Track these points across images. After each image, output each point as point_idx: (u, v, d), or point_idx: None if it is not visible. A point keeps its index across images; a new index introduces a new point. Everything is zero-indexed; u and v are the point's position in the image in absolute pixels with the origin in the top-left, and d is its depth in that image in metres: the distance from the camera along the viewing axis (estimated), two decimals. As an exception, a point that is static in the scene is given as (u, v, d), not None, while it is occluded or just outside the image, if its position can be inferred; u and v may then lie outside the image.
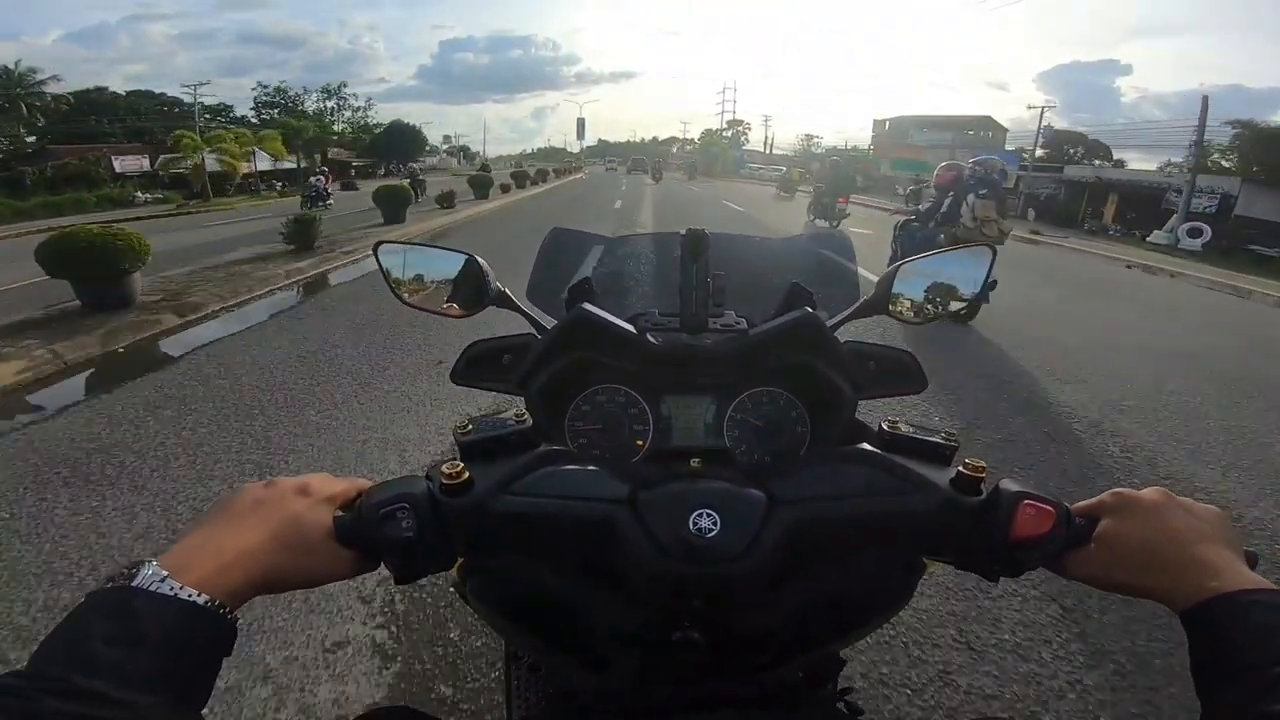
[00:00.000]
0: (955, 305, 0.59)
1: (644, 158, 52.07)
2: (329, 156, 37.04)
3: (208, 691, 0.33)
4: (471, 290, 0.59)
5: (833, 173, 11.76)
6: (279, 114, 45.47)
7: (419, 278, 0.60)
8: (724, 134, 68.43)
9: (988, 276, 0.58)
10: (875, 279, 0.58)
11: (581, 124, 59.04)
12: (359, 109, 53.33)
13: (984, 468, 0.44)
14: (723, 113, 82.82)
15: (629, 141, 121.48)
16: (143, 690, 0.30)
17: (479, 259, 0.59)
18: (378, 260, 0.60)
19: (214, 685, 0.33)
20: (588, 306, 0.53)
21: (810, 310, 0.54)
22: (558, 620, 0.49)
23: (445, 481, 0.42)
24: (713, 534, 0.41)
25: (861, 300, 0.60)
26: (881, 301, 0.58)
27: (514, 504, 0.42)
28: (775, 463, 0.56)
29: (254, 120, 45.78)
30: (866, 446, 0.47)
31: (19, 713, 0.27)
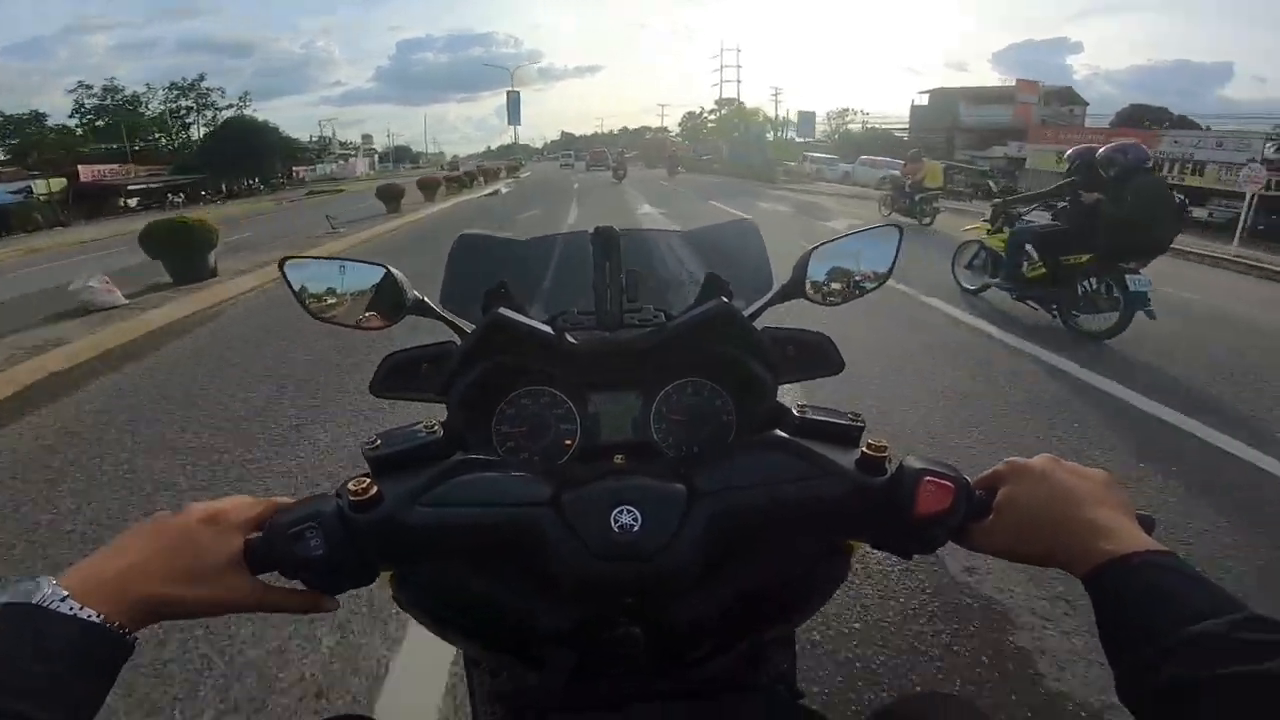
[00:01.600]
0: (869, 284, 0.70)
1: (605, 150, 47.74)
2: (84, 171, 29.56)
3: (97, 708, 0.39)
4: (388, 301, 0.66)
5: (923, 166, 11.32)
6: (109, 120, 40.31)
7: (331, 291, 0.66)
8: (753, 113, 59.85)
9: (896, 255, 0.70)
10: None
11: (514, 102, 50.09)
12: (231, 106, 47.54)
13: (885, 447, 0.52)
14: (722, 82, 76.52)
15: (596, 134, 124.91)
16: (35, 705, 0.35)
17: (394, 269, 0.66)
18: (285, 277, 0.66)
19: (103, 702, 0.39)
20: (503, 310, 0.61)
21: (725, 300, 0.63)
22: (493, 623, 0.56)
23: (352, 498, 0.48)
24: (635, 530, 0.47)
25: (779, 286, 0.70)
26: (799, 285, 0.68)
27: (428, 515, 0.48)
28: (697, 455, 0.65)
29: (75, 128, 40.38)
30: (779, 433, 0.55)
31: None
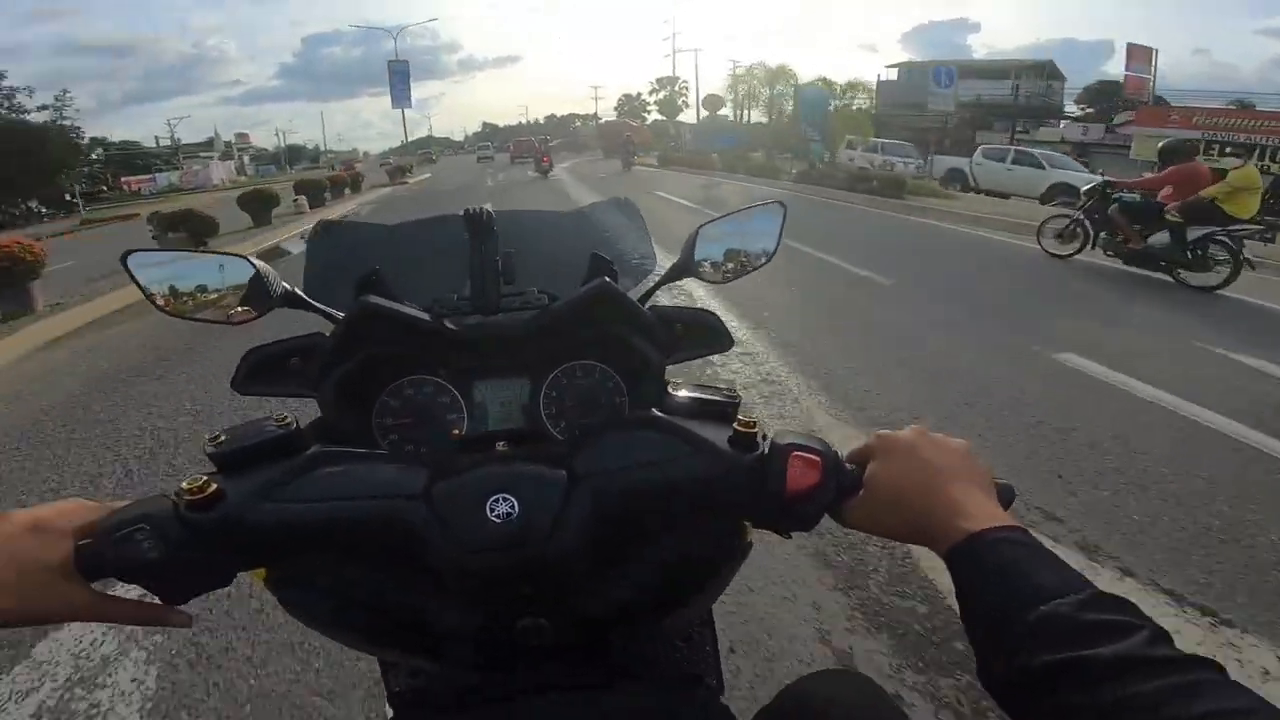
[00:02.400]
0: (756, 261, 0.76)
1: (531, 139, 42.80)
2: None
3: None
4: (253, 293, 0.66)
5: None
6: None
7: (186, 287, 0.65)
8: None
9: (781, 231, 0.76)
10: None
11: (400, 76, 39.46)
12: (47, 108, 37.58)
13: (755, 423, 0.55)
14: (674, 53, 76.91)
15: (520, 124, 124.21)
16: None
17: (255, 260, 0.66)
18: (129, 273, 0.64)
19: None
20: (372, 298, 0.63)
21: (608, 280, 0.67)
22: (385, 622, 0.57)
23: (188, 498, 0.48)
24: (513, 518, 0.49)
25: (670, 266, 0.75)
26: (688, 264, 0.73)
27: (278, 511, 0.49)
28: (577, 438, 0.66)
29: None
30: (653, 412, 0.57)
31: None
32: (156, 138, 67.43)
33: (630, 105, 78.55)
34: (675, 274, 0.76)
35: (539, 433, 0.70)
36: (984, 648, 0.44)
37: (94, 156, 49.72)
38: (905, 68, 34.73)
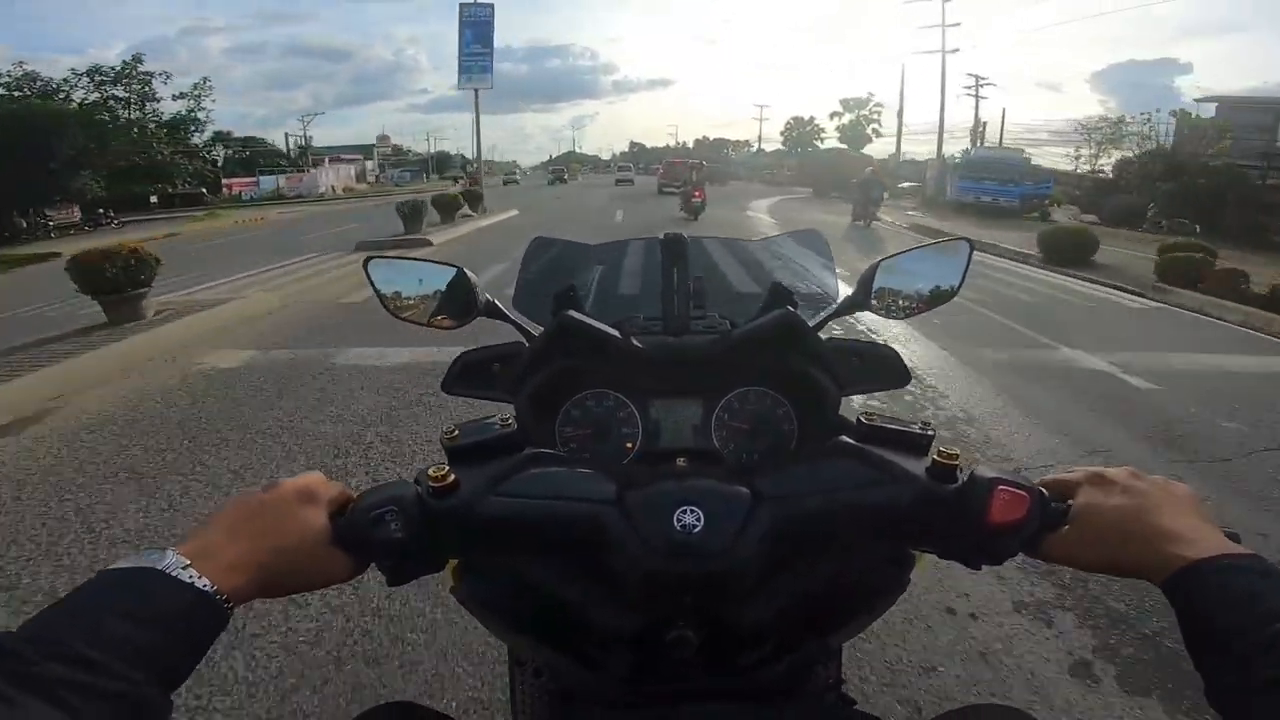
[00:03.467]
0: (936, 299, 0.82)
1: (684, 162, 37.86)
2: None
3: (188, 674, 0.47)
4: (460, 302, 0.84)
5: None
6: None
7: (409, 292, 0.85)
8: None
9: (965, 270, 0.81)
10: None
11: (477, 30, 26.25)
12: (183, 96, 39.29)
13: (957, 455, 0.59)
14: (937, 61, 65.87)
15: (668, 146, 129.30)
16: (136, 665, 0.42)
17: (467, 271, 0.83)
18: (368, 275, 0.84)
19: (193, 671, 0.47)
20: (572, 313, 0.75)
21: (790, 309, 0.76)
22: (552, 621, 0.66)
23: (432, 485, 0.58)
24: (697, 530, 0.56)
25: (845, 298, 0.83)
26: (863, 298, 0.81)
27: (501, 505, 0.58)
28: (761, 460, 0.77)
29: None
30: (845, 439, 0.62)
31: (13, 672, 0.39)
32: (286, 135, 68.83)
33: (800, 130, 73.90)
34: (850, 307, 0.83)
35: (709, 453, 0.79)
36: (1213, 668, 0.46)
37: (210, 155, 47.52)
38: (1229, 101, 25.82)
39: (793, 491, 0.60)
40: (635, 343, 0.78)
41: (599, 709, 0.68)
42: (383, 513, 0.57)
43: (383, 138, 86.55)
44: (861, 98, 64.39)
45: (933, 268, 0.83)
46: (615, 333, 0.78)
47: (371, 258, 0.85)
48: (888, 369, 0.84)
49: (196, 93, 41.93)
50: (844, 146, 59.78)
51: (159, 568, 0.47)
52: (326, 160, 59.23)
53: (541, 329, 0.84)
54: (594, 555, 0.59)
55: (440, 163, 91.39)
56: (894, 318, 0.83)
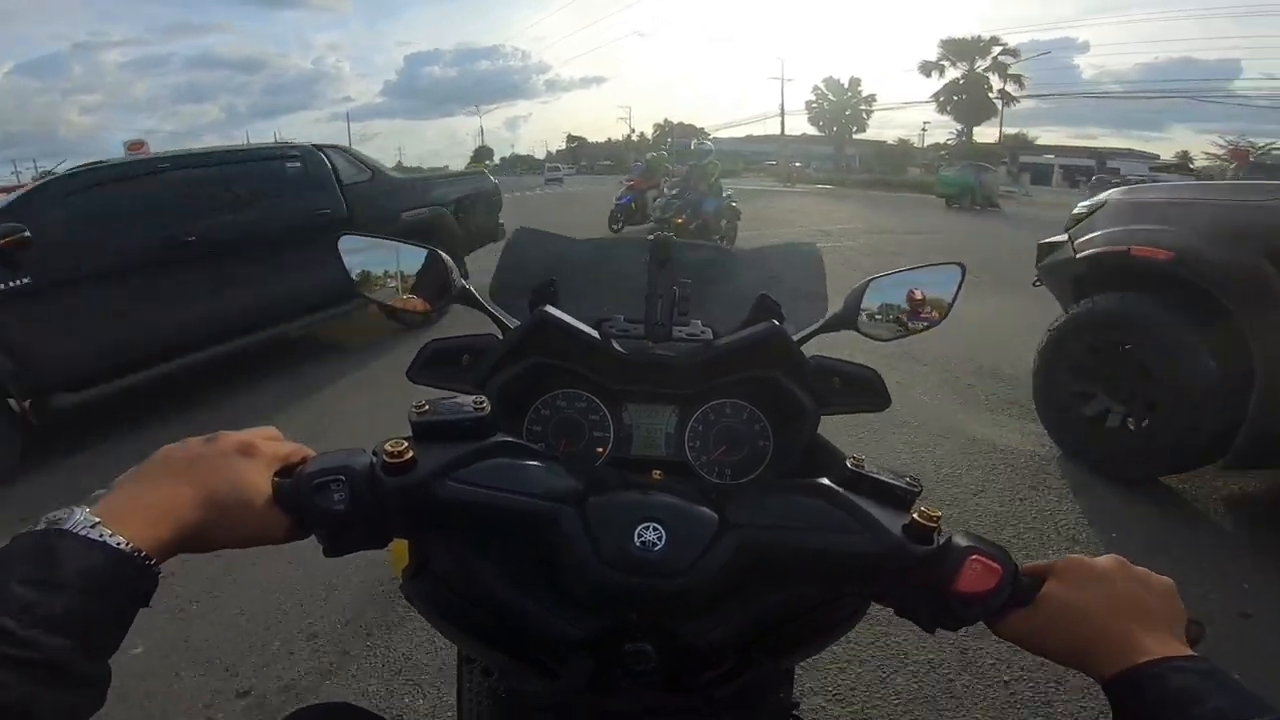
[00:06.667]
0: (924, 323, 0.83)
1: (559, 166, 40.16)
2: None
3: (118, 640, 0.45)
4: (435, 286, 0.81)
5: None
6: None
7: (382, 272, 0.82)
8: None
9: (957, 294, 0.83)
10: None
11: None
12: None
13: (938, 518, 0.59)
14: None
15: (610, 140, 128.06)
16: (52, 632, 0.40)
17: (443, 254, 0.81)
18: (340, 251, 0.81)
19: (125, 635, 0.45)
20: (550, 309, 0.74)
21: (777, 323, 0.76)
22: (506, 627, 0.65)
23: (387, 459, 0.56)
24: (657, 548, 0.56)
25: (830, 314, 0.83)
26: (850, 316, 0.81)
27: (456, 490, 0.57)
28: (732, 485, 0.76)
29: None
30: (826, 481, 0.62)
31: None
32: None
33: (843, 102, 62.62)
34: (836, 324, 0.84)
35: (681, 463, 0.79)
36: None
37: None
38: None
39: (762, 523, 0.60)
40: (616, 346, 0.77)
41: (550, 712, 0.67)
42: (328, 481, 0.55)
43: (136, 142, 43.54)
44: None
45: (924, 290, 0.84)
46: (594, 333, 0.77)
47: (344, 234, 0.83)
48: (868, 390, 0.84)
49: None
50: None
51: (65, 527, 0.45)
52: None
53: (516, 322, 0.82)
54: (545, 556, 0.59)
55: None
56: (881, 339, 0.85)
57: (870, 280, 0.83)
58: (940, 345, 5.38)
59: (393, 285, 0.83)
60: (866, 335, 0.83)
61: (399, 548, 0.68)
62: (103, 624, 0.44)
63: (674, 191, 11.64)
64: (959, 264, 0.85)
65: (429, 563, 0.67)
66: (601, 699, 0.64)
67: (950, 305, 0.84)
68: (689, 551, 0.57)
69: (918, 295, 0.84)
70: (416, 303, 0.83)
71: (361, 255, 0.83)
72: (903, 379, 4.94)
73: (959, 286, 0.84)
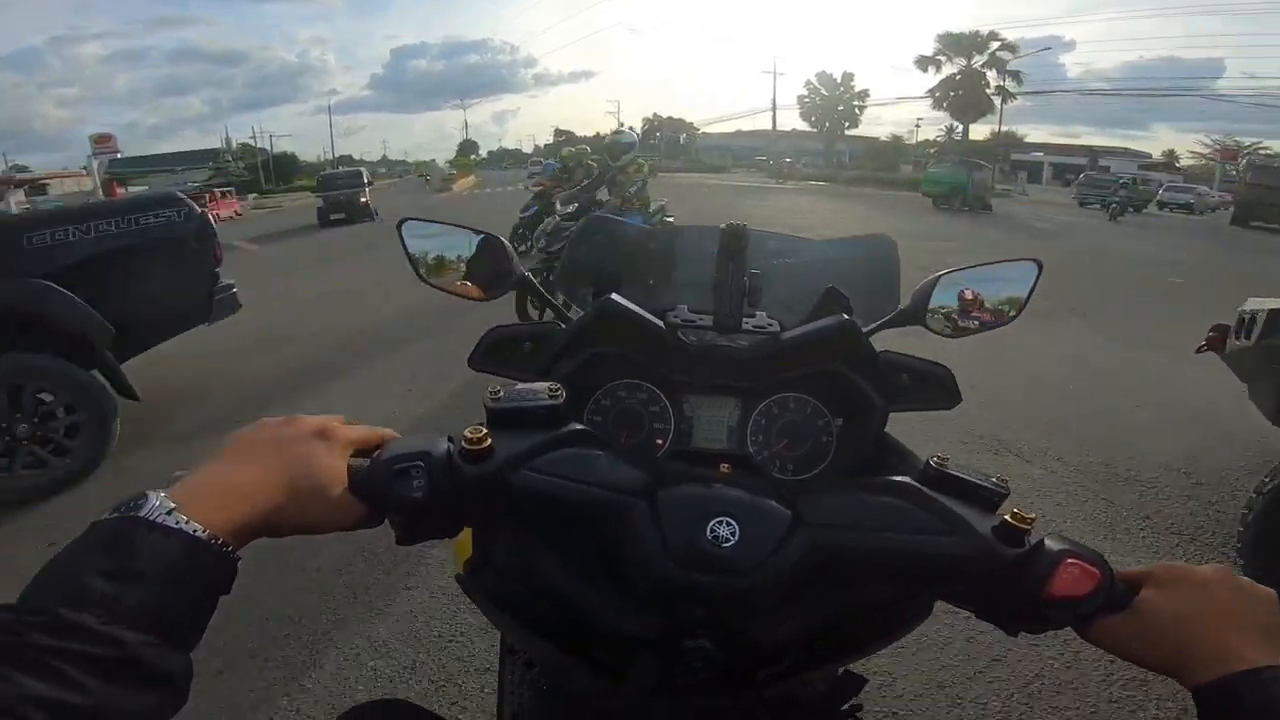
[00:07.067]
0: (997, 321, 0.81)
1: (540, 160, 42.38)
2: None
3: (200, 632, 0.44)
4: (494, 272, 0.81)
5: None
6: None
7: (441, 257, 0.82)
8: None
9: (1032, 291, 0.81)
10: None
11: None
12: None
13: (1032, 520, 0.57)
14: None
15: (598, 134, 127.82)
16: (133, 626, 0.39)
17: (504, 240, 0.80)
18: (401, 237, 0.81)
19: (207, 626, 0.44)
20: (616, 298, 0.73)
21: (847, 317, 0.74)
22: (566, 620, 0.63)
23: (466, 446, 0.55)
24: (730, 544, 0.54)
25: (898, 309, 0.82)
26: (919, 312, 0.80)
27: (531, 480, 0.56)
28: (806, 481, 0.74)
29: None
30: (908, 480, 0.60)
31: (2, 646, 0.36)
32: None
33: (832, 98, 60.94)
34: (903, 319, 0.82)
35: (742, 456, 0.77)
36: None
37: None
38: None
39: (838, 521, 0.58)
40: (681, 337, 0.76)
41: (591, 704, 0.66)
42: (408, 467, 0.54)
43: (103, 136, 38.12)
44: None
45: (997, 286, 0.83)
46: (660, 324, 0.75)
47: (406, 219, 0.82)
48: (938, 388, 0.82)
49: None
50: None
51: (140, 514, 0.43)
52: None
53: (577, 310, 0.81)
54: (613, 549, 0.57)
55: (284, 166, 69.17)
56: (948, 337, 0.83)
57: (940, 275, 0.81)
58: (1038, 429, 4.19)
59: (452, 270, 0.83)
60: (934, 331, 0.82)
61: (463, 539, 0.66)
62: (183, 615, 0.43)
63: (569, 209, 6.84)
64: (1035, 260, 0.83)
65: (490, 554, 0.65)
66: (661, 700, 0.62)
67: (1026, 301, 0.83)
68: (760, 549, 0.55)
69: (988, 293, 0.83)
70: (473, 289, 0.83)
71: (422, 240, 0.83)
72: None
73: (1035, 282, 0.83)
